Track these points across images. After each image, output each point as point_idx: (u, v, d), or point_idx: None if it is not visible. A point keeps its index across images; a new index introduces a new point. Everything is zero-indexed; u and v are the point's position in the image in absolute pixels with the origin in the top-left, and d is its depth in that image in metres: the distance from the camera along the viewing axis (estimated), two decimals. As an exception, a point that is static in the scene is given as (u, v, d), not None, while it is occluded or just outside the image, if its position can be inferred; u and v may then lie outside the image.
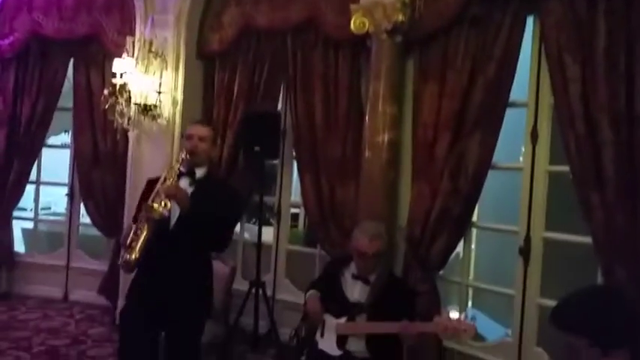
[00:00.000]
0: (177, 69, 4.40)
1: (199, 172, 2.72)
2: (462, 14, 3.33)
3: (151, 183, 2.73)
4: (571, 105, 2.88)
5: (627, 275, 2.64)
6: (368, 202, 3.70)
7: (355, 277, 2.83)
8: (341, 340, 2.69)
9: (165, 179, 2.60)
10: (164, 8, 4.36)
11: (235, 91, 4.43)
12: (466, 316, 2.43)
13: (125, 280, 4.40)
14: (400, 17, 3.49)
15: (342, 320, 2.71)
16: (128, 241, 2.53)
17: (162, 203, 2.50)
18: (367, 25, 3.60)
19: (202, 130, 2.76)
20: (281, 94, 4.43)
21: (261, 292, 4.32)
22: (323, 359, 2.72)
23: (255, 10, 4.29)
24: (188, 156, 2.65)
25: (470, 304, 3.71)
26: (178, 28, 4.37)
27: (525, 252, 3.25)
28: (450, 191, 3.39)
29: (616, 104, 2.69)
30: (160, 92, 4.26)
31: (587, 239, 2.88)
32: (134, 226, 2.57)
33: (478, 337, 3.75)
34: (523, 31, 3.18)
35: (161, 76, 4.28)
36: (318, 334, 2.80)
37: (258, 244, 4.36)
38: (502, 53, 3.20)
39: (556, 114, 3.05)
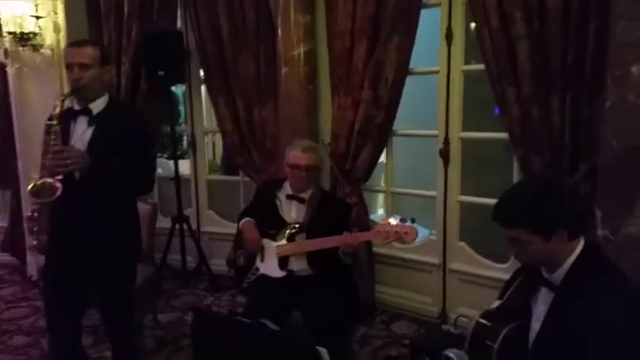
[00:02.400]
0: (56, -8, 3.84)
1: (97, 106, 2.27)
2: None
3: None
4: (484, 0, 2.86)
5: (542, 164, 2.78)
6: (289, 120, 3.59)
7: (290, 196, 2.76)
8: (282, 262, 2.66)
9: (47, 134, 2.14)
10: None
11: (126, 10, 3.96)
12: (404, 219, 2.46)
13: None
14: None
15: (282, 242, 2.66)
16: (29, 225, 2.16)
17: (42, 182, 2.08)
18: None
19: (83, 54, 2.21)
20: (179, 10, 4.05)
21: (185, 226, 4.17)
22: (266, 283, 2.68)
23: None
24: (72, 92, 2.20)
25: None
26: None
27: (445, 153, 3.34)
28: (371, 100, 3.34)
29: (528, -3, 2.70)
30: (37, 17, 3.72)
31: (503, 135, 3.00)
32: (29, 208, 2.17)
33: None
34: None
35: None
36: (258, 260, 2.75)
37: (176, 178, 4.15)
38: (413, -49, 3.09)
39: (470, 11, 3.03)
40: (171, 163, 5.23)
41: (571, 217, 1.55)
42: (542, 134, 2.73)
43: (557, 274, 1.57)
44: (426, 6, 3.25)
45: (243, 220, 2.83)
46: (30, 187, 2.12)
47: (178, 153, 4.35)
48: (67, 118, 2.25)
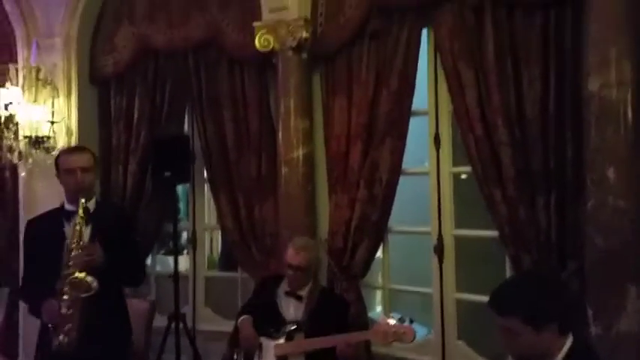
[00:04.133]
0: (69, 96, 4.13)
1: (90, 206, 2.43)
2: (362, 29, 3.46)
3: None
4: (468, 109, 3.09)
5: (532, 262, 2.87)
6: (288, 218, 3.71)
7: (288, 293, 2.82)
8: (280, 361, 2.67)
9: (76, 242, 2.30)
10: (49, 31, 4.09)
11: (136, 115, 4.24)
12: (403, 320, 2.51)
13: (26, 333, 4.02)
14: (304, 34, 3.57)
15: (281, 341, 2.68)
16: (55, 322, 2.25)
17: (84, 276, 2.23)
18: (272, 42, 3.64)
19: (83, 159, 2.46)
20: (186, 116, 4.33)
21: (181, 325, 4.15)
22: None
23: (151, 29, 4.14)
24: (77, 194, 2.35)
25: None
26: (68, 53, 4.11)
27: (439, 250, 3.43)
28: (367, 199, 3.49)
29: (508, 107, 2.93)
30: (52, 122, 3.97)
31: (494, 233, 3.11)
32: (56, 303, 2.26)
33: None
34: (419, 42, 3.37)
35: (53, 105, 3.99)
36: (256, 358, 2.75)
37: (175, 275, 4.18)
38: (402, 65, 3.37)
39: (455, 119, 3.27)
40: (169, 259, 5.31)
41: (563, 310, 1.61)
42: (530, 234, 2.85)
43: None
44: (416, 113, 3.50)
45: (241, 318, 2.86)
46: (71, 278, 2.23)
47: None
48: (59, 219, 2.39)
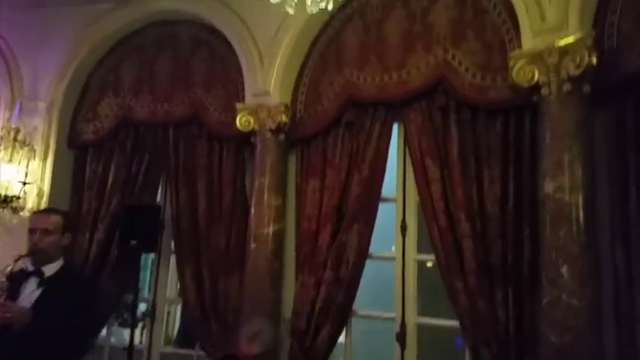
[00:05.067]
0: (45, 159, 4.17)
1: (50, 270, 2.47)
2: (338, 119, 3.67)
3: None
4: (433, 202, 3.26)
5: (490, 356, 2.93)
6: (253, 293, 3.70)
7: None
8: None
9: None
10: (34, 94, 4.19)
11: (109, 182, 4.28)
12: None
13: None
14: (283, 118, 3.76)
15: None
16: None
17: None
18: (252, 123, 3.81)
19: (47, 221, 2.52)
20: (160, 186, 4.39)
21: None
22: None
23: (135, 102, 4.29)
24: (28, 254, 2.40)
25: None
26: (50, 117, 4.20)
27: (401, 337, 3.46)
28: (333, 280, 3.54)
29: (470, 202, 3.11)
30: (25, 183, 3.97)
31: (455, 323, 3.18)
32: None
33: None
34: (390, 136, 3.58)
35: (27, 166, 4.00)
36: None
37: (130, 348, 4.03)
38: (373, 155, 3.55)
39: (421, 209, 3.42)
40: (124, 331, 5.14)
41: None
42: (489, 326, 2.93)
43: None
44: (385, 200, 3.65)
45: None
46: None
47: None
48: (19, 278, 2.38)
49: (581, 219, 2.54)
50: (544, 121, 2.75)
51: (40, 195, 4.13)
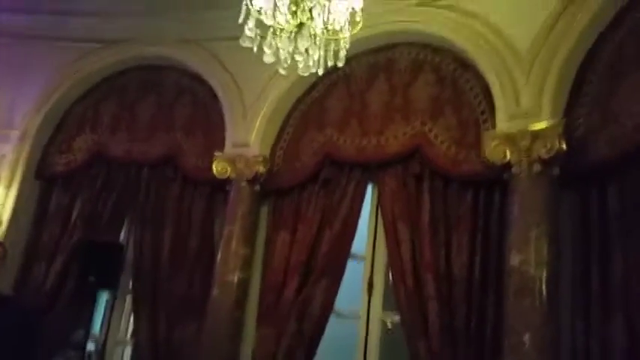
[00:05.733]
0: (9, 187, 4.05)
1: None
2: (315, 175, 3.79)
3: None
4: (402, 262, 3.38)
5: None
6: (211, 343, 3.64)
7: None
8: None
9: None
10: (9, 123, 4.12)
11: (74, 216, 4.21)
12: None
13: None
14: (261, 169, 3.85)
15: None
16: None
17: None
18: (229, 171, 3.87)
19: None
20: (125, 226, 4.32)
21: None
22: None
23: (111, 139, 4.30)
24: None
25: None
26: (21, 147, 4.13)
27: (360, 399, 3.48)
28: (295, 333, 3.54)
29: (438, 265, 3.25)
30: (-16, 210, 3.84)
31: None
32: None
33: None
34: (364, 196, 3.71)
35: (-10, 194, 3.89)
36: None
37: (75, 389, 3.86)
38: (346, 212, 3.66)
39: (390, 270, 3.53)
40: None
41: None
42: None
43: None
44: (353, 257, 3.74)
45: None
46: None
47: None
48: None
49: (544, 292, 2.71)
50: (513, 197, 2.96)
51: (-2, 223, 3.98)
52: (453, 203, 3.32)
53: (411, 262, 3.34)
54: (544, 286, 2.71)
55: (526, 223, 2.83)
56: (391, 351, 3.61)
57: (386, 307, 3.60)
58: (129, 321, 4.40)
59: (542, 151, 2.86)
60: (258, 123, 3.95)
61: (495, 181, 3.16)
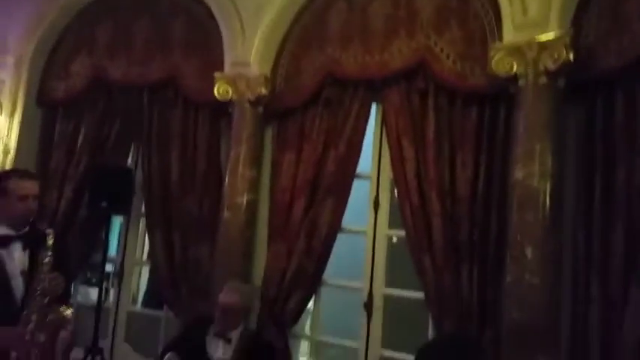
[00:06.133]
0: (12, 115, 4.04)
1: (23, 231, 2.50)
2: (317, 95, 3.72)
3: None
4: (407, 180, 3.40)
5: (452, 326, 3.14)
6: (224, 261, 3.78)
7: (217, 334, 2.89)
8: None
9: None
10: (3, 48, 4.03)
11: (79, 142, 4.22)
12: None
13: None
14: (262, 90, 3.78)
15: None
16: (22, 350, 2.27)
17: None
18: (230, 93, 3.81)
19: (36, 187, 2.55)
20: (132, 148, 4.35)
21: (99, 359, 4.02)
22: None
23: (110, 62, 4.20)
24: (24, 221, 2.43)
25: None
26: (18, 72, 4.06)
27: (368, 307, 3.63)
28: (305, 251, 3.66)
29: (442, 182, 3.27)
30: (-11, 139, 3.86)
31: (421, 295, 3.38)
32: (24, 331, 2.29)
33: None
34: (369, 115, 3.68)
35: (-6, 121, 3.89)
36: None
37: (98, 307, 4.08)
38: (351, 132, 3.63)
39: (395, 187, 3.57)
40: (90, 290, 5.14)
41: None
42: (453, 300, 3.13)
43: None
44: (359, 177, 3.77)
45: (167, 355, 2.87)
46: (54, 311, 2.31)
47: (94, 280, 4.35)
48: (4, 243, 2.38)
49: (548, 205, 2.74)
50: (519, 111, 2.91)
51: (5, 152, 4.01)
52: (458, 119, 3.28)
53: (416, 179, 3.36)
54: (547, 199, 2.74)
55: (531, 137, 2.81)
56: (397, 264, 3.73)
57: (392, 224, 3.68)
58: (144, 242, 4.59)
59: (548, 62, 2.76)
60: (257, 40, 3.82)
61: (501, 96, 3.09)
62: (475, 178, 3.17)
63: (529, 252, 2.71)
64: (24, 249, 2.41)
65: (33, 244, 2.43)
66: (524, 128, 2.86)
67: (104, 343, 4.21)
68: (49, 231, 2.39)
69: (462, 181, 3.21)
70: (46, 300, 2.31)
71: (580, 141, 2.85)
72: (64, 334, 3.21)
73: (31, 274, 2.36)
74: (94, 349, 4.00)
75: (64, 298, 2.47)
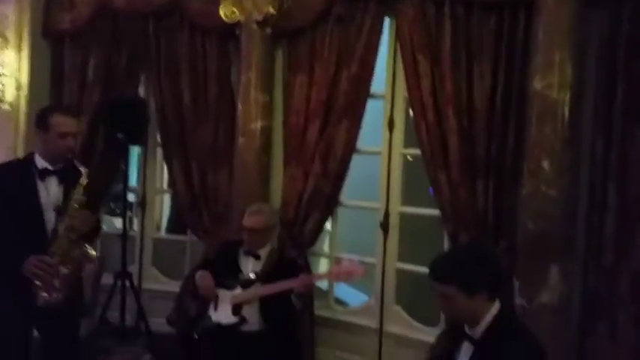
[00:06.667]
0: (20, 49, 3.98)
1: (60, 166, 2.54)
2: (327, 12, 3.58)
3: None
4: (422, 98, 3.33)
5: (468, 238, 3.18)
6: (242, 186, 3.84)
7: (247, 253, 3.00)
8: (236, 309, 2.84)
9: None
10: (2, -22, 3.91)
11: (90, 74, 4.18)
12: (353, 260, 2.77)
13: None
14: (270, 9, 3.64)
15: (237, 291, 2.85)
16: (43, 278, 2.35)
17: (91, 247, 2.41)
18: (237, 14, 3.68)
19: (76, 125, 2.57)
20: (142, 78, 4.30)
21: (127, 283, 4.22)
22: (217, 330, 2.83)
23: (112, -11, 4.07)
24: (63, 158, 2.47)
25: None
26: (20, 4, 3.94)
27: (384, 225, 3.71)
28: (321, 173, 3.69)
29: (459, 98, 3.20)
30: (0, 74, 3.83)
31: (436, 211, 3.42)
32: (49, 260, 2.37)
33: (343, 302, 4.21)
34: (381, 30, 3.55)
35: (3, 57, 3.84)
36: (211, 309, 2.90)
37: (124, 234, 4.22)
38: (363, 50, 3.52)
39: (410, 105, 3.51)
40: (113, 220, 5.30)
41: (492, 279, 1.87)
42: (469, 214, 3.16)
43: (476, 330, 1.86)
44: (373, 96, 3.70)
45: (199, 272, 3.00)
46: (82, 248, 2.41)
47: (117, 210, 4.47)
48: (29, 174, 2.42)
49: (567, 116, 2.67)
50: (538, 19, 2.77)
51: (18, 87, 4.00)
52: (476, 30, 3.14)
53: (432, 96, 3.28)
54: (566, 110, 2.67)
55: (551, 46, 2.69)
56: (413, 182, 3.75)
57: (407, 144, 3.66)
58: (163, 171, 4.66)
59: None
60: (261, -45, 3.65)
61: (519, 4, 2.93)
62: (493, 91, 3.09)
63: (546, 164, 2.68)
64: (59, 184, 2.46)
65: (68, 181, 2.48)
66: (544, 37, 2.74)
67: (133, 269, 4.40)
68: (85, 170, 2.44)
69: (480, 94, 3.13)
70: (74, 236, 2.37)
71: (602, 48, 2.73)
72: (90, 267, 3.37)
73: (63, 209, 2.41)
74: (122, 274, 4.19)
75: (93, 236, 2.53)
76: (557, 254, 2.69)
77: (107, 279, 4.10)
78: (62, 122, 2.50)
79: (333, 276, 2.77)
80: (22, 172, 2.47)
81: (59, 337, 2.53)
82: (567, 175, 2.69)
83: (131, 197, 4.89)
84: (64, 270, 2.39)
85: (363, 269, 2.74)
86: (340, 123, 3.63)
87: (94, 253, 2.45)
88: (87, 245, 2.44)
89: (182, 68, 4.05)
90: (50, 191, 2.48)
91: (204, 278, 2.93)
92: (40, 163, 2.45)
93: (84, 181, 2.44)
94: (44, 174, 2.44)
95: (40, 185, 2.44)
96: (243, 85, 3.79)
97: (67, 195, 2.46)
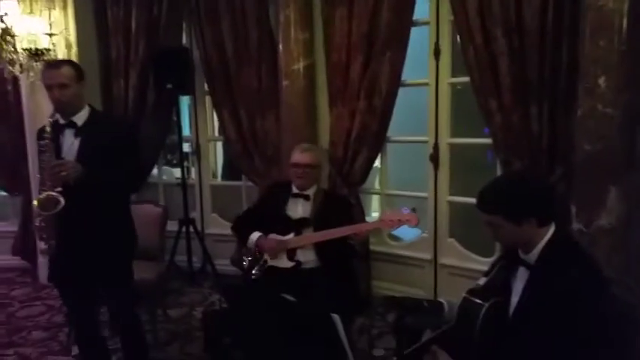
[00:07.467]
0: (65, 7, 4.07)
1: (80, 119, 2.46)
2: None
3: None
4: (469, 20, 3.16)
5: (522, 165, 3.10)
6: (290, 129, 3.86)
7: (295, 195, 3.01)
8: (290, 254, 2.90)
9: (42, 153, 2.35)
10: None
11: (133, 26, 4.24)
12: (406, 209, 2.73)
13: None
14: (305, -58, 3.52)
15: (290, 236, 2.91)
16: (38, 233, 2.39)
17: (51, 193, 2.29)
18: (271, -51, 3.59)
19: (61, 75, 2.39)
20: (184, 27, 4.32)
21: (191, 229, 4.42)
22: (274, 274, 2.91)
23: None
24: (57, 111, 2.39)
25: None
26: (60, -38, 4.00)
27: (434, 158, 3.64)
28: (367, 110, 3.64)
29: (508, 18, 3.01)
30: (51, 34, 3.94)
31: (487, 140, 3.31)
32: (37, 219, 2.38)
33: (398, 237, 4.22)
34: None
35: (50, 17, 3.95)
36: (266, 254, 2.97)
37: (183, 183, 4.38)
38: (404, -25, 3.38)
39: (456, 29, 3.34)
40: (172, 170, 5.51)
41: (538, 206, 1.80)
42: (522, 140, 3.04)
43: (531, 255, 1.82)
44: (416, 24, 3.55)
45: (251, 236, 3.02)
46: (36, 202, 2.36)
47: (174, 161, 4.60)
48: (55, 132, 2.41)
49: (624, 27, 2.45)
50: None
51: (68, 46, 4.12)
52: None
53: (479, 17, 3.12)
54: (624, 21, 2.44)
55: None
56: (462, 110, 3.63)
57: (454, 72, 3.51)
58: (213, 120, 4.75)
59: None
60: None
61: None
62: (544, 7, 2.88)
63: (602, 82, 2.50)
64: (76, 136, 2.44)
65: (86, 130, 2.45)
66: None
67: (195, 215, 4.60)
68: (47, 122, 2.38)
69: (530, 11, 2.94)
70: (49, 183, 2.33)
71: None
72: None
73: (89, 158, 2.38)
74: (186, 221, 4.39)
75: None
76: (615, 175, 2.55)
77: (172, 226, 4.32)
78: (44, 75, 2.46)
79: (385, 224, 2.73)
80: (55, 132, 2.48)
81: (113, 281, 2.58)
82: (625, 92, 2.50)
83: (186, 147, 5.03)
84: (38, 224, 2.37)
85: (416, 218, 2.69)
86: (384, 55, 3.53)
87: (61, 199, 2.30)
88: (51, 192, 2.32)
89: (221, 12, 4.02)
90: (68, 144, 2.45)
91: (266, 243, 2.91)
92: (56, 117, 2.45)
93: (47, 129, 2.37)
94: (59, 128, 2.44)
95: (62, 139, 2.44)
96: (283, 24, 3.74)
97: (83, 146, 2.43)
